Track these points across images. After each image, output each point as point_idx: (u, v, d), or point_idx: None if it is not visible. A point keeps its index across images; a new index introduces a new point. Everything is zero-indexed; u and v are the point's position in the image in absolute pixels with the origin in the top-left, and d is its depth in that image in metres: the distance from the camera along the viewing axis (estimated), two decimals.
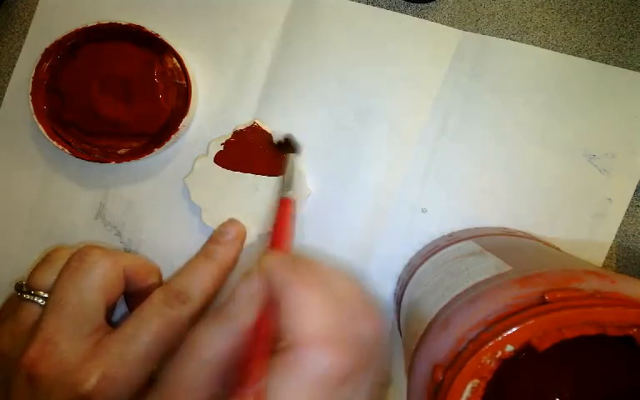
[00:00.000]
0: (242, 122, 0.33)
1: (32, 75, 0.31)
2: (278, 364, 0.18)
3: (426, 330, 0.24)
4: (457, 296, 0.24)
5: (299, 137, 0.33)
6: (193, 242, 0.33)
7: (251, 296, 0.20)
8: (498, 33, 0.33)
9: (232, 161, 0.33)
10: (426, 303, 0.26)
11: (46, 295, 0.25)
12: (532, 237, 0.32)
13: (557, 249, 0.31)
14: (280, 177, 0.32)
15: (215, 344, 0.19)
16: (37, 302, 0.25)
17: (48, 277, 0.26)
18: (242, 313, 0.19)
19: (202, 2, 0.34)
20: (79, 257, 0.25)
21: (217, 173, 0.33)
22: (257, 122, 0.33)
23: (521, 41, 0.33)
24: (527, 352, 0.20)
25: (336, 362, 0.18)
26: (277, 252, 0.23)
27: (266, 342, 0.19)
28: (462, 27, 0.33)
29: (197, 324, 0.20)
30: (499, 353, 0.20)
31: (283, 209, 0.28)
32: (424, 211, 0.33)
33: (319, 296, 0.19)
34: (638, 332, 0.19)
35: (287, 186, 0.30)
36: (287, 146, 0.32)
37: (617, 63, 0.33)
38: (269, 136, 0.33)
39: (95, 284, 0.24)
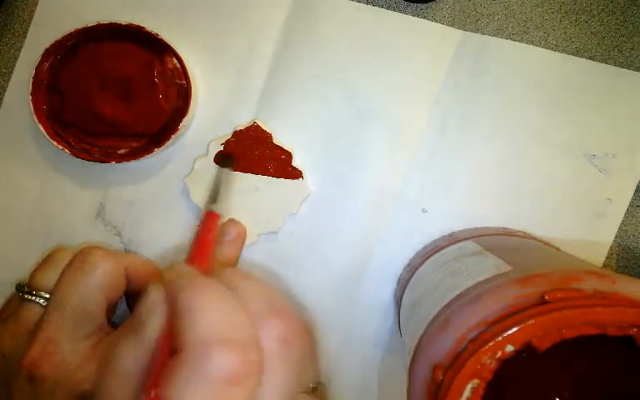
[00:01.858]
0: (242, 122, 0.33)
1: (32, 75, 0.31)
2: (172, 368, 0.17)
3: (426, 330, 0.24)
4: (457, 296, 0.24)
5: (299, 136, 0.33)
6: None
7: (152, 306, 0.20)
8: (498, 33, 0.33)
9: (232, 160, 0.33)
10: (426, 303, 0.26)
11: (47, 295, 0.25)
12: (532, 237, 0.32)
13: (557, 249, 0.31)
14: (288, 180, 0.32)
15: (129, 355, 0.19)
16: (38, 303, 0.25)
17: (50, 277, 0.26)
18: (147, 323, 0.20)
19: (203, 2, 0.34)
20: (81, 257, 0.25)
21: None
22: (257, 122, 0.33)
23: (521, 41, 0.33)
24: (527, 352, 0.20)
25: (228, 361, 0.17)
26: (184, 265, 0.23)
27: (167, 348, 0.19)
28: (462, 27, 0.33)
29: (119, 333, 0.21)
30: (499, 353, 0.20)
31: (206, 222, 0.27)
32: (424, 211, 0.33)
33: (212, 297, 0.19)
34: (638, 332, 0.19)
35: (211, 199, 0.29)
36: (225, 159, 0.31)
37: (617, 63, 0.33)
38: (269, 136, 0.33)
39: (96, 284, 0.24)
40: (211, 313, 0.19)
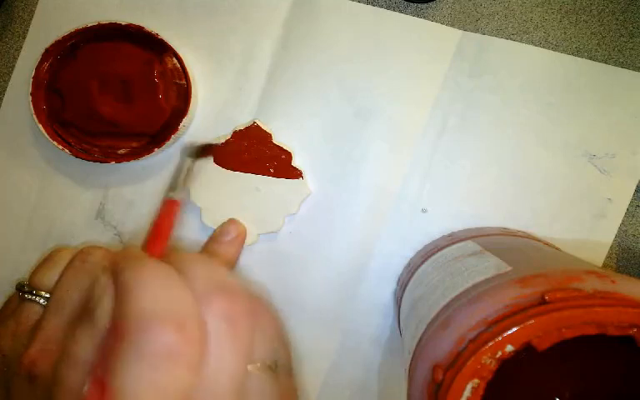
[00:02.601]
0: (242, 123, 0.33)
1: (32, 75, 0.31)
2: (121, 350, 0.17)
3: (426, 330, 0.24)
4: (457, 296, 0.24)
5: (299, 136, 0.33)
6: (193, 242, 0.33)
7: (101, 289, 0.20)
8: (498, 33, 0.33)
9: (232, 161, 0.33)
10: (426, 303, 0.26)
11: (47, 295, 0.25)
12: (532, 237, 0.32)
13: (557, 249, 0.31)
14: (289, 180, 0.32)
15: (81, 342, 0.19)
16: (38, 302, 0.25)
17: (50, 277, 0.26)
18: (97, 307, 0.20)
19: (203, 2, 0.34)
20: (81, 257, 0.25)
21: (217, 173, 0.33)
22: (256, 122, 0.33)
23: (521, 41, 0.33)
24: (527, 352, 0.20)
25: (166, 335, 0.17)
26: (133, 249, 0.23)
27: (114, 333, 0.19)
28: (462, 27, 0.33)
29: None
30: (499, 353, 0.20)
31: (164, 209, 0.27)
32: (424, 211, 0.33)
33: (151, 274, 0.19)
34: (638, 332, 0.19)
35: (172, 186, 0.29)
36: (198, 150, 0.31)
37: (617, 63, 0.33)
38: (269, 136, 0.33)
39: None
40: (148, 290, 0.18)
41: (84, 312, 0.20)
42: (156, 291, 0.19)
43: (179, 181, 0.29)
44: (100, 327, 0.19)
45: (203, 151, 0.31)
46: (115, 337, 0.18)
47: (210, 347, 0.19)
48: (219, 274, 0.21)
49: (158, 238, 0.26)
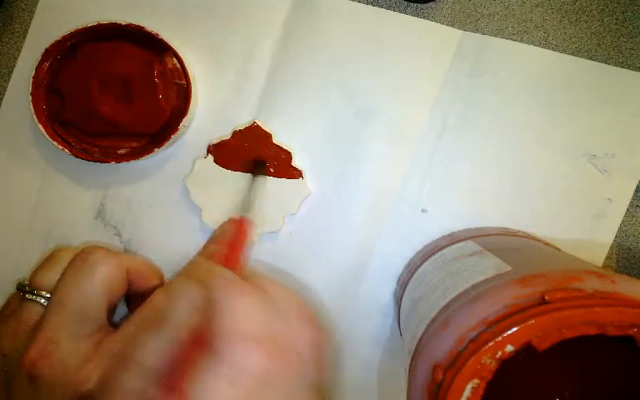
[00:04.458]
0: (242, 122, 0.33)
1: (32, 75, 0.31)
2: (204, 363, 0.17)
3: (426, 330, 0.24)
4: (457, 296, 0.24)
5: (299, 136, 0.33)
6: (193, 242, 0.33)
7: (182, 300, 0.20)
8: (498, 33, 0.33)
9: (231, 161, 0.33)
10: (426, 303, 0.26)
11: (48, 295, 0.25)
12: (532, 237, 0.32)
13: (557, 249, 0.31)
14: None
15: (151, 349, 0.19)
16: (39, 302, 0.25)
17: (51, 277, 0.26)
18: (174, 317, 0.19)
19: (203, 2, 0.34)
20: (82, 257, 0.25)
21: (217, 173, 0.33)
22: (256, 122, 0.33)
23: (521, 41, 0.33)
24: (527, 352, 0.20)
25: (261, 361, 0.17)
26: (222, 268, 0.23)
27: (194, 345, 0.19)
28: (462, 27, 0.33)
29: (134, 330, 0.20)
30: (499, 353, 0.20)
31: (241, 229, 0.28)
32: (424, 211, 0.33)
33: (250, 298, 0.19)
34: (638, 332, 0.19)
35: (246, 207, 0.30)
36: (261, 167, 0.32)
37: (617, 63, 0.33)
38: (269, 136, 0.33)
39: (97, 284, 0.24)
40: (248, 311, 0.18)
41: (156, 319, 0.20)
42: (255, 314, 0.19)
43: (253, 201, 0.30)
44: (175, 338, 0.19)
45: (264, 165, 0.32)
46: (205, 353, 0.18)
47: (298, 372, 0.19)
48: (302, 302, 0.21)
49: (237, 257, 0.26)
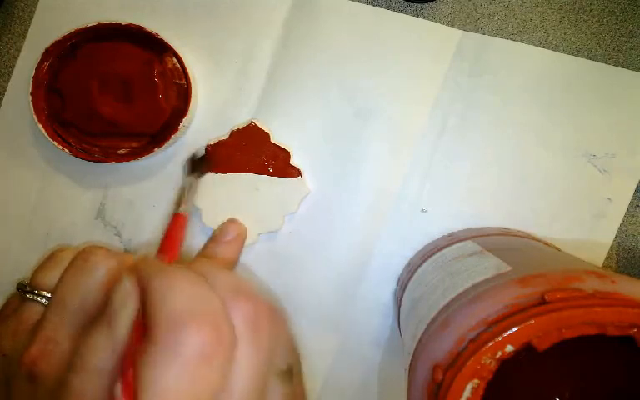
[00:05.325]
0: (240, 122, 0.33)
1: (32, 75, 0.31)
2: (147, 353, 0.17)
3: (426, 330, 0.24)
4: (457, 296, 0.24)
5: (299, 136, 0.33)
6: (194, 242, 0.33)
7: (124, 296, 0.20)
8: (498, 33, 0.33)
9: (230, 161, 0.33)
10: (426, 303, 0.26)
11: (49, 295, 0.25)
12: (532, 237, 0.32)
13: (557, 249, 0.31)
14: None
15: (100, 350, 0.19)
16: (40, 302, 0.25)
17: (52, 276, 0.26)
18: (119, 315, 0.19)
19: (203, 2, 0.34)
20: (83, 256, 0.25)
21: (216, 174, 0.33)
22: (254, 121, 0.33)
23: (521, 41, 0.33)
24: (527, 352, 0.20)
25: (202, 335, 0.17)
26: (155, 259, 0.23)
27: (138, 336, 0.19)
28: (462, 27, 0.33)
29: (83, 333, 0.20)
30: (499, 353, 0.20)
31: (173, 223, 0.28)
32: (424, 211, 0.33)
33: (181, 278, 0.19)
34: (638, 332, 0.19)
35: (178, 202, 0.30)
36: (198, 164, 0.32)
37: (617, 63, 0.33)
38: (267, 135, 0.33)
39: (98, 283, 0.24)
40: (181, 292, 0.18)
41: (98, 318, 0.20)
42: (188, 293, 0.19)
43: (185, 196, 0.30)
44: (120, 335, 0.19)
45: (202, 163, 0.32)
46: (145, 341, 0.18)
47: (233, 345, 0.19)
48: (239, 280, 0.21)
49: (170, 251, 0.26)
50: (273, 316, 0.21)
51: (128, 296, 0.20)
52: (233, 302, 0.20)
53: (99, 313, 0.20)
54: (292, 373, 0.22)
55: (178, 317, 0.18)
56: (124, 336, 0.19)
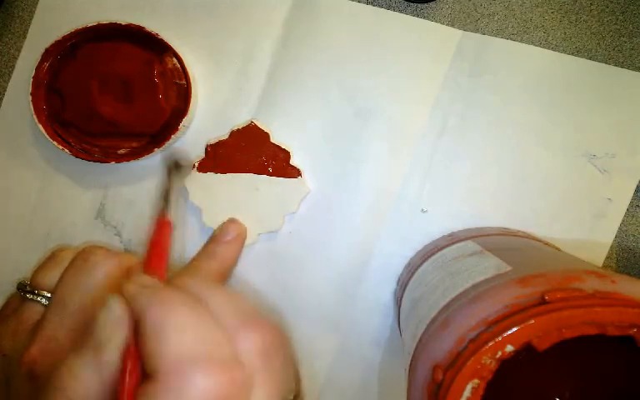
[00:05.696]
0: (240, 122, 0.33)
1: (32, 75, 0.31)
2: (147, 395, 0.16)
3: (426, 330, 0.24)
4: (457, 296, 0.24)
5: (299, 136, 0.33)
6: (194, 242, 0.33)
7: (113, 324, 0.18)
8: (498, 33, 0.33)
9: (230, 161, 0.33)
10: (426, 303, 0.26)
11: (49, 295, 0.25)
12: (532, 237, 0.32)
13: (557, 249, 0.31)
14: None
15: (86, 379, 0.17)
16: (40, 302, 0.25)
17: (52, 276, 0.26)
18: (107, 343, 0.18)
19: (203, 2, 0.34)
20: (83, 256, 0.25)
21: (216, 174, 0.33)
22: (254, 121, 0.33)
23: (521, 41, 0.33)
24: (527, 352, 0.20)
25: (211, 382, 0.16)
26: (145, 276, 0.21)
27: (134, 372, 0.17)
28: (462, 27, 0.33)
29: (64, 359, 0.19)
30: (499, 353, 0.20)
31: (160, 230, 0.26)
32: (424, 211, 0.33)
33: (182, 311, 0.18)
34: (638, 332, 0.19)
35: (162, 206, 0.28)
36: (176, 168, 0.30)
37: (617, 63, 0.33)
38: (267, 135, 0.33)
39: (98, 283, 0.24)
40: (184, 330, 0.17)
41: (84, 340, 0.19)
42: (191, 331, 0.17)
43: (170, 201, 0.28)
44: (108, 365, 0.18)
45: (178, 167, 0.30)
46: (149, 384, 0.16)
47: (248, 383, 0.18)
48: (243, 304, 0.20)
49: (161, 260, 0.25)
50: (280, 339, 0.20)
51: (117, 324, 0.18)
52: (241, 333, 0.18)
53: (85, 332, 0.19)
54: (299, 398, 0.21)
55: (183, 361, 0.16)
56: (113, 366, 0.18)
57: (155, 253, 0.25)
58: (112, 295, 0.19)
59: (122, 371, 0.17)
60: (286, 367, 0.19)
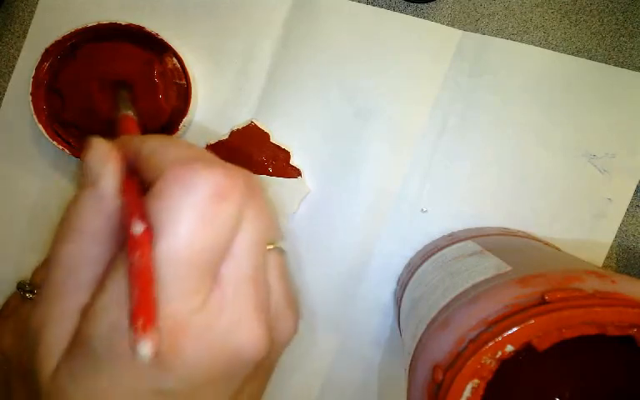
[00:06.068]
0: (240, 122, 0.33)
1: (32, 75, 0.31)
2: (153, 197, 0.16)
3: (426, 330, 0.24)
4: (457, 296, 0.24)
5: (299, 136, 0.33)
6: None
7: (103, 157, 0.18)
8: (498, 33, 0.33)
9: (230, 161, 0.32)
10: (426, 303, 0.26)
11: None
12: (532, 237, 0.32)
13: (557, 249, 0.31)
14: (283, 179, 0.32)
15: (88, 213, 0.17)
16: None
17: None
18: (102, 175, 0.18)
19: (203, 2, 0.34)
20: None
21: None
22: (254, 121, 0.33)
23: (521, 41, 0.33)
24: (527, 352, 0.20)
25: (215, 174, 0.16)
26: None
27: (134, 190, 0.17)
28: (462, 27, 0.33)
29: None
30: (499, 353, 0.20)
31: (126, 125, 0.26)
32: (424, 211, 0.33)
33: (177, 144, 0.18)
34: (638, 332, 0.19)
35: (123, 107, 0.28)
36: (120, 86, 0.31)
37: (617, 63, 0.33)
38: (267, 135, 0.33)
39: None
40: (180, 144, 0.18)
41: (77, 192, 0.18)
42: (190, 147, 0.18)
43: (123, 102, 0.29)
44: (108, 192, 0.17)
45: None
46: (153, 188, 0.16)
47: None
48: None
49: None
50: (261, 189, 0.19)
51: (107, 157, 0.18)
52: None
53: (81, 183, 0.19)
54: (275, 250, 0.21)
55: (188, 159, 0.17)
56: (112, 194, 0.17)
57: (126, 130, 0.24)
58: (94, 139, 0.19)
59: (123, 192, 0.17)
60: (268, 209, 0.19)
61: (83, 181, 0.18)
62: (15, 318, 0.25)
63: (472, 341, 0.20)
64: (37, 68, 0.31)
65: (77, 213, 0.18)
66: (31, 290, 0.26)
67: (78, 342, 0.16)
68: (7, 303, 0.27)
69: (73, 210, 0.18)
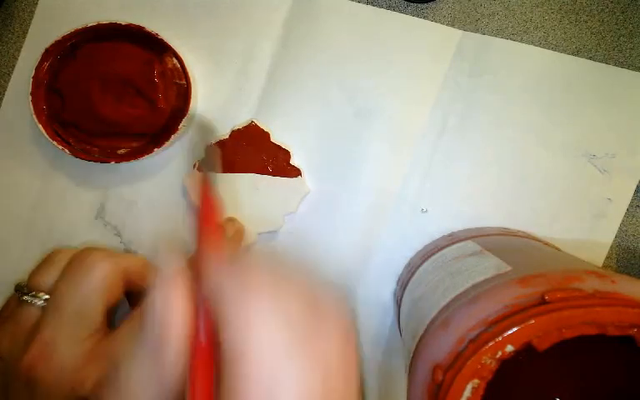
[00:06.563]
0: (240, 122, 0.33)
1: (32, 75, 0.31)
2: (232, 379, 0.15)
3: (426, 330, 0.24)
4: (457, 296, 0.24)
5: (299, 136, 0.33)
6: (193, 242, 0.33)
7: (172, 315, 0.16)
8: (498, 33, 0.33)
9: (230, 160, 0.33)
10: (426, 303, 0.26)
11: (46, 296, 0.25)
12: (532, 237, 0.32)
13: (557, 249, 0.31)
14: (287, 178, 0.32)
15: (144, 382, 0.16)
16: (36, 304, 0.25)
17: (49, 278, 0.26)
18: (167, 341, 0.16)
19: (203, 2, 0.34)
20: (79, 259, 0.25)
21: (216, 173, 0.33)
22: (254, 121, 0.33)
23: (521, 41, 0.33)
24: (527, 352, 0.20)
25: (301, 380, 0.15)
26: (209, 251, 0.19)
27: (205, 369, 0.16)
28: (462, 27, 0.33)
29: (123, 356, 0.17)
30: (499, 353, 0.20)
31: (207, 186, 0.24)
32: (424, 211, 0.33)
33: (268, 311, 0.16)
34: (638, 332, 0.19)
35: (208, 167, 0.27)
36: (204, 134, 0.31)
37: (617, 63, 0.33)
38: (267, 135, 0.33)
39: (95, 286, 0.24)
40: (270, 329, 0.16)
41: (138, 339, 0.17)
42: (275, 329, 0.16)
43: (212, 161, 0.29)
44: (170, 368, 0.16)
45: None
46: (225, 369, 0.15)
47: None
48: (316, 286, 0.19)
49: (214, 218, 0.22)
50: (354, 331, 0.18)
51: (176, 316, 0.16)
52: (325, 326, 0.17)
53: (136, 320, 0.18)
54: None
55: (278, 351, 0.15)
56: (175, 371, 0.16)
57: (209, 212, 0.22)
58: (167, 274, 0.17)
59: (191, 369, 0.16)
60: (358, 378, 0.18)
61: (146, 332, 0.16)
62: (13, 321, 0.25)
63: (472, 341, 0.20)
64: (37, 68, 0.31)
65: (128, 373, 0.16)
66: (28, 292, 0.26)
67: None
68: (7, 304, 0.27)
69: (122, 364, 0.16)
